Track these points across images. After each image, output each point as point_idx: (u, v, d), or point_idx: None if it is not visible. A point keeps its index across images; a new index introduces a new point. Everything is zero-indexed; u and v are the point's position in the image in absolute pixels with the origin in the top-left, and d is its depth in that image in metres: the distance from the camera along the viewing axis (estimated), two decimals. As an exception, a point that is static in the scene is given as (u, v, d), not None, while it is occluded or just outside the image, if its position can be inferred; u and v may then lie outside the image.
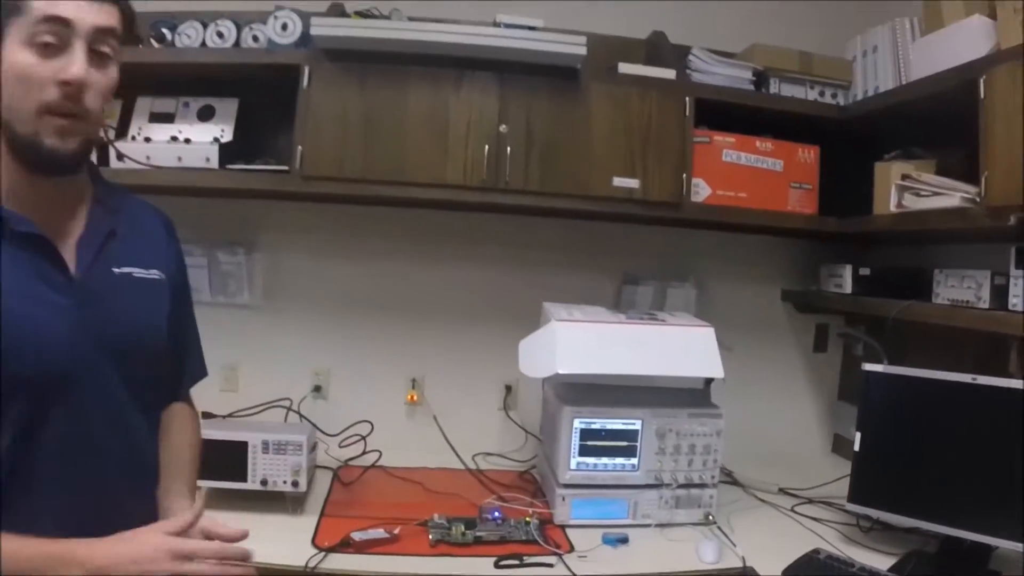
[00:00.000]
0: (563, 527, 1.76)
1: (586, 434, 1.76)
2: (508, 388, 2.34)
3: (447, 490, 1.97)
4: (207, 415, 2.11)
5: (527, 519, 1.72)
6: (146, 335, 1.11)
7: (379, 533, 1.62)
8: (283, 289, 2.32)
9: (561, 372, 1.71)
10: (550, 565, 1.56)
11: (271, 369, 2.30)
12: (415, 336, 2.33)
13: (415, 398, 2.31)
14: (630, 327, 1.84)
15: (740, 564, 1.60)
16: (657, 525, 1.78)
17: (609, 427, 1.77)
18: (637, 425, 1.78)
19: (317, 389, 2.31)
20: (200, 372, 1.33)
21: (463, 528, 1.67)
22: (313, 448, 1.95)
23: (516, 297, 2.25)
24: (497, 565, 1.54)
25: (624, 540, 1.68)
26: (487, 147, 1.92)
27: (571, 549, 1.64)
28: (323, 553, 1.54)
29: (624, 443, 1.77)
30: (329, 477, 2.02)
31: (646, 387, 1.84)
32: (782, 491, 2.08)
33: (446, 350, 2.34)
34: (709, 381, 1.91)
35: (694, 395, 1.89)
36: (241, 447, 1.72)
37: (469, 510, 1.78)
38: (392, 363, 2.33)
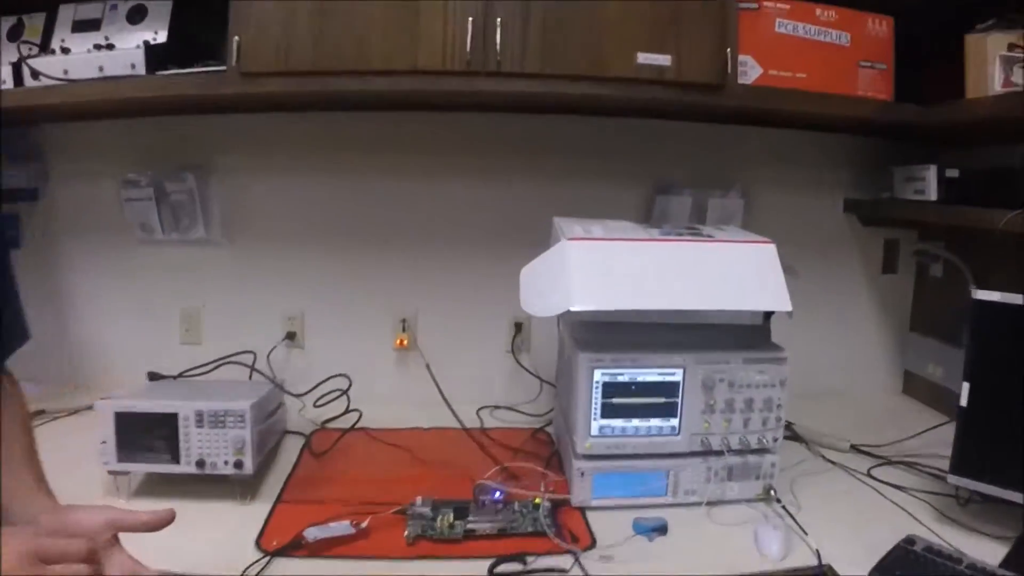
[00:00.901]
0: (582, 510, 1.36)
1: (611, 389, 1.34)
2: (517, 327, 1.93)
3: (440, 457, 1.59)
4: (153, 376, 1.75)
5: (536, 500, 1.33)
6: None
7: (342, 528, 1.25)
8: (245, 220, 1.93)
9: (576, 309, 1.27)
10: (563, 571, 1.16)
11: (237, 316, 1.93)
12: (404, 269, 1.92)
13: (405, 343, 1.91)
14: (666, 246, 1.39)
15: (815, 561, 1.20)
16: (706, 504, 1.37)
17: (641, 379, 1.35)
18: (677, 376, 1.35)
19: (291, 337, 1.92)
20: (16, 338, 1.01)
21: (451, 517, 1.28)
22: (274, 411, 1.58)
23: (524, 215, 1.81)
24: (492, 573, 1.15)
25: (661, 529, 1.28)
26: (470, 19, 1.45)
27: (592, 544, 1.25)
28: (266, 558, 1.17)
29: (661, 399, 1.35)
30: (300, 445, 1.65)
31: (688, 325, 1.40)
32: (854, 448, 1.66)
33: (442, 284, 1.93)
34: (768, 316, 1.46)
35: (750, 334, 1.44)
36: (170, 421, 1.35)
37: (463, 488, 1.39)
38: (378, 302, 1.93)
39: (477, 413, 1.86)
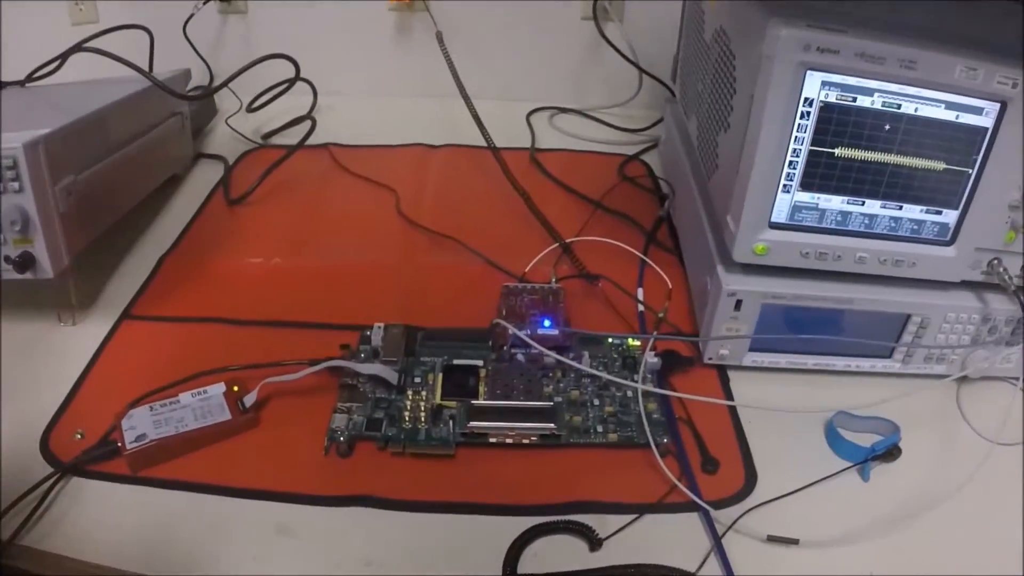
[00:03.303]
0: (724, 373, 0.66)
1: (836, 123, 0.54)
2: (604, -31, 1.06)
3: (448, 211, 0.87)
4: None
5: (630, 344, 0.64)
6: None
7: (207, 405, 0.59)
8: None
9: None
10: (684, 590, 0.50)
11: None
12: None
13: (406, -4, 1.09)
14: None
15: None
16: (953, 378, 0.64)
17: (909, 110, 0.53)
18: (987, 116, 0.53)
19: (223, -9, 1.12)
20: None
21: (439, 391, 0.60)
22: (148, 131, 0.86)
23: None
24: (513, 573, 0.49)
25: (891, 450, 0.57)
26: None
27: (748, 484, 0.55)
28: (54, 479, 0.54)
29: (939, 164, 0.55)
30: (215, 182, 0.95)
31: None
32: None
33: None
34: None
35: None
36: None
37: (480, 290, 0.71)
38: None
39: (527, 120, 1.10)
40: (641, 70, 1.07)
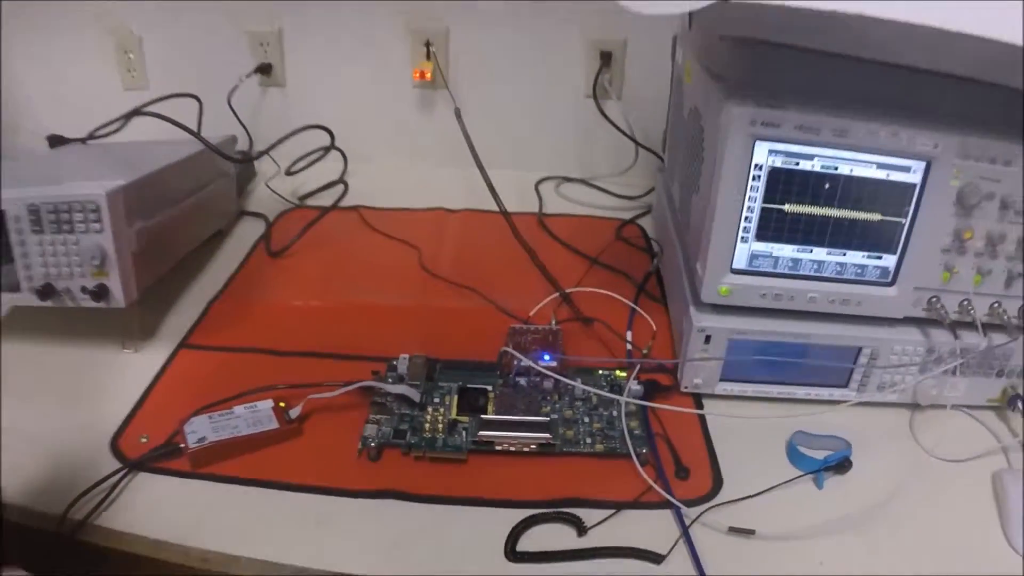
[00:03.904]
0: (699, 400, 0.76)
1: (783, 184, 0.66)
2: (604, 58, 1.20)
3: (463, 264, 0.99)
4: (54, 140, 1.13)
5: (617, 374, 0.73)
6: None
7: (255, 417, 0.69)
8: None
9: None
10: (654, 558, 0.58)
11: (186, 39, 1.26)
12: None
13: (428, 75, 1.23)
14: None
15: None
16: (905, 406, 0.75)
17: (846, 172, 0.65)
18: (914, 174, 0.65)
19: (264, 71, 1.27)
20: None
21: (454, 408, 0.71)
22: (200, 189, 0.98)
23: None
24: (514, 549, 0.59)
25: (840, 465, 0.67)
26: None
27: (714, 488, 0.65)
28: (123, 473, 0.64)
29: (875, 216, 0.67)
30: (256, 236, 1.08)
31: (941, 76, 0.64)
32: None
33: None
34: None
35: None
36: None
37: (490, 331, 0.81)
38: (390, 15, 1.21)
39: (536, 188, 1.22)
40: (637, 143, 1.21)
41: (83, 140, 1.10)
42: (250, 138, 1.27)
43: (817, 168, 0.65)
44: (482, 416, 0.70)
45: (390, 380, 0.74)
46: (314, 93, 1.27)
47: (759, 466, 0.67)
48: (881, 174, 0.65)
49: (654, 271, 0.97)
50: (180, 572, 0.59)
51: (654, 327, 0.83)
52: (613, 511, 0.62)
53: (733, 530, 0.60)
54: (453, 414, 0.70)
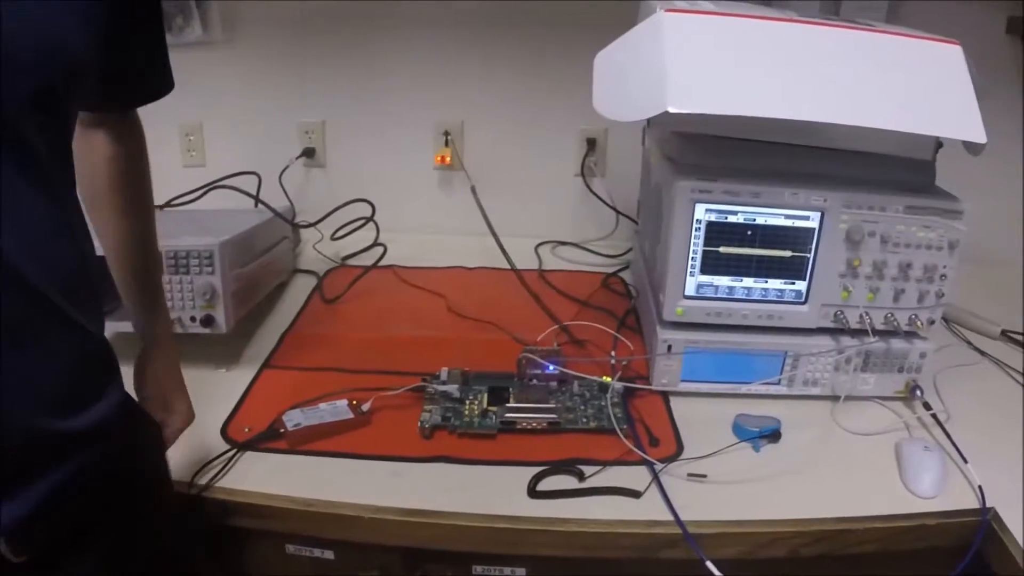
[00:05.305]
0: (666, 395, 1.00)
1: (717, 234, 0.93)
2: (590, 143, 1.49)
3: (482, 308, 1.23)
4: None
5: (604, 379, 0.97)
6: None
7: (335, 411, 0.93)
8: (249, 13, 1.48)
9: (673, 112, 0.80)
10: (634, 495, 0.82)
11: (243, 129, 1.54)
12: (448, 68, 1.48)
13: (447, 159, 1.51)
14: (807, 30, 0.89)
15: (974, 500, 0.82)
16: (828, 398, 1.00)
17: (762, 222, 0.93)
18: (813, 221, 0.92)
19: (309, 154, 1.55)
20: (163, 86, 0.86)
21: (484, 401, 0.95)
22: (271, 248, 1.24)
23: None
24: (534, 490, 0.82)
25: (773, 435, 0.91)
26: None
27: (677, 451, 0.89)
28: (233, 451, 0.87)
29: (786, 253, 0.94)
30: (310, 288, 1.32)
31: (828, 150, 0.95)
32: (1006, 335, 1.20)
33: (494, 86, 1.48)
34: (938, 148, 0.98)
35: (909, 172, 0.97)
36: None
37: (507, 355, 1.05)
38: (415, 109, 1.51)
39: (536, 250, 1.49)
40: (617, 212, 1.48)
41: (160, 207, 1.36)
42: (292, 208, 1.53)
43: (741, 220, 0.91)
44: (507, 405, 0.93)
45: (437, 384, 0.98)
46: (349, 172, 1.55)
47: (711, 438, 0.91)
48: (788, 222, 0.92)
49: (632, 310, 1.23)
50: (289, 515, 0.81)
51: (631, 347, 1.08)
52: (603, 467, 0.85)
53: (691, 475, 0.84)
54: (484, 405, 0.94)
